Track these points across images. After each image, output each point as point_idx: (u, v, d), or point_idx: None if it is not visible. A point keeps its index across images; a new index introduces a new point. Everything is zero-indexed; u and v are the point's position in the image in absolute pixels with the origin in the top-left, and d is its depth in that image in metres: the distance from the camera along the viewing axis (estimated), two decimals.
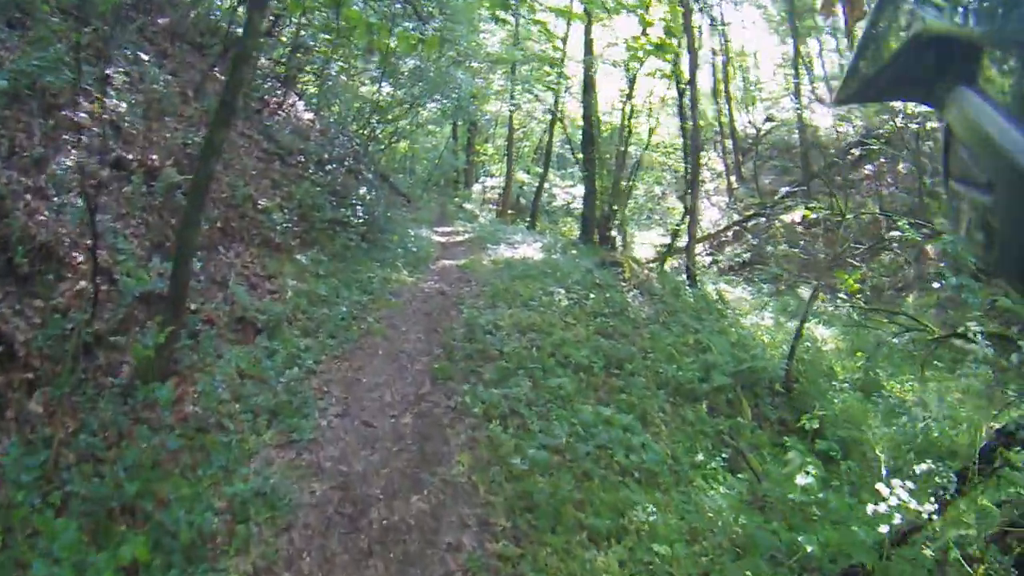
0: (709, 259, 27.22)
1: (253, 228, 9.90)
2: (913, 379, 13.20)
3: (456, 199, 30.73)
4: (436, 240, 18.41)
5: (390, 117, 19.48)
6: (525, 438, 7.20)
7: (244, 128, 11.78)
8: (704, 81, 35.72)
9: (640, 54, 13.92)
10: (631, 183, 18.43)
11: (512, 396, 7.96)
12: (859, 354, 14.25)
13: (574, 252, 16.52)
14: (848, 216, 16.28)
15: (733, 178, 32.24)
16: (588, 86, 19.26)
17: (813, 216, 14.97)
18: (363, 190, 13.86)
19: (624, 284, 13.02)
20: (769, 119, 34.26)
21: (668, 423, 8.85)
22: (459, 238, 19.46)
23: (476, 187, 35.10)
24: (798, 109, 28.80)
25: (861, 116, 27.83)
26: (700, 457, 8.06)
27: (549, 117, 26.61)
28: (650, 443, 7.61)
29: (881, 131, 25.17)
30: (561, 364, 9.20)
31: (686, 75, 15.91)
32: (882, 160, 25.84)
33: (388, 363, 8.75)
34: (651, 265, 15.95)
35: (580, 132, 21.06)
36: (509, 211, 31.14)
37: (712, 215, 31.57)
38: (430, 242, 17.30)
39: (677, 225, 16.06)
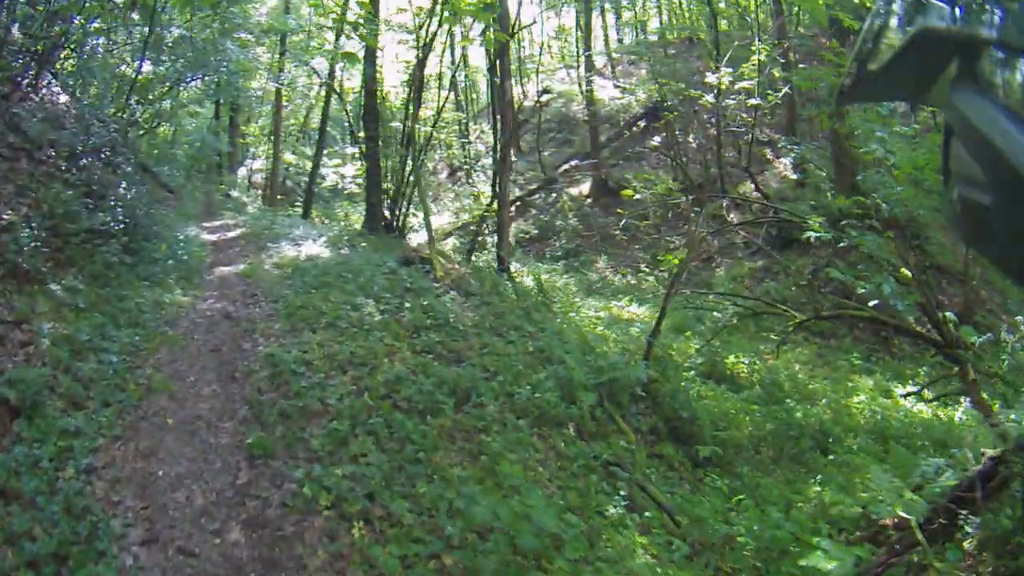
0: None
1: None
2: (750, 356, 12.57)
3: (222, 186, 27.52)
4: (207, 240, 15.71)
5: (151, 97, 16.40)
6: (405, 543, 5.33)
7: None
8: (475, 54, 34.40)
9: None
10: (420, 162, 16.58)
11: (362, 475, 5.99)
12: (688, 334, 13.46)
13: (364, 245, 14.54)
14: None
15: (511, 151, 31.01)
16: (370, 55, 17.15)
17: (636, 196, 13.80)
18: (123, 187, 11.10)
19: (437, 285, 11.18)
20: (546, 91, 33.40)
21: (545, 463, 7.32)
22: (232, 234, 16.81)
23: (241, 171, 31.86)
24: (587, 79, 28.02)
25: (643, 89, 27.49)
26: (599, 503, 6.74)
27: (323, 92, 23.91)
28: (544, 504, 5.93)
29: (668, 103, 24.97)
30: (401, 409, 7.28)
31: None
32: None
33: (185, 439, 6.45)
34: (456, 258, 14.12)
35: (360, 108, 18.96)
36: (278, 196, 28.31)
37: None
38: (201, 244, 14.64)
39: (485, 209, 14.38)
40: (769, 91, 17.69)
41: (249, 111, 31.99)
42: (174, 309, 9.37)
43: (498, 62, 14.04)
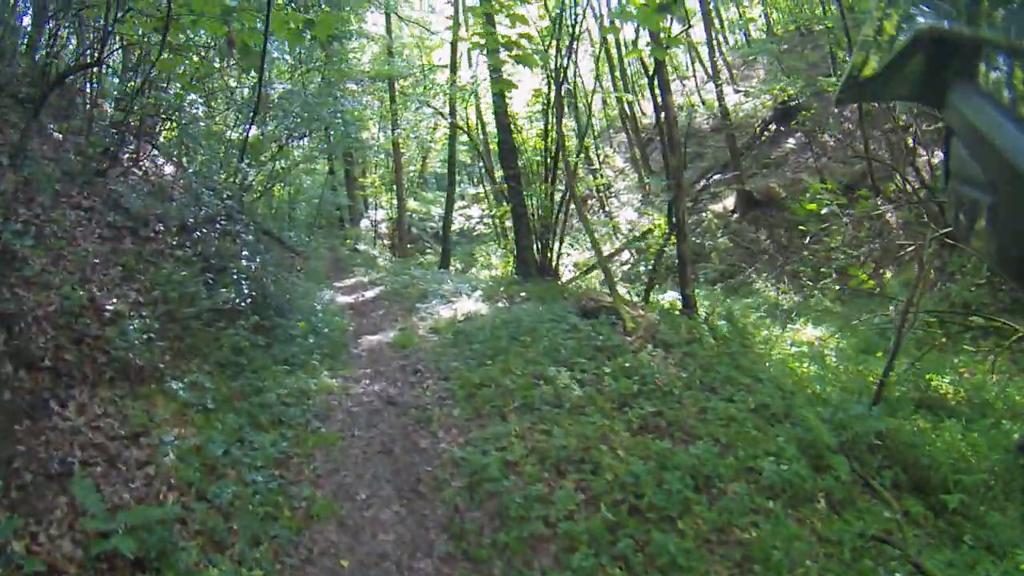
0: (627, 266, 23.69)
1: (99, 353, 5.81)
2: (948, 373, 10.20)
3: (347, 240, 26.34)
4: (343, 302, 14.27)
5: (263, 158, 15.13)
6: None
7: (81, 197, 7.79)
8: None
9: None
10: (569, 195, 14.72)
11: None
12: (879, 354, 11.00)
13: (524, 295, 12.76)
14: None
15: (642, 172, 28.70)
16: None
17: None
18: (244, 257, 9.64)
19: (629, 339, 9.16)
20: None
21: (812, 554, 5.40)
22: (370, 293, 15.33)
23: (364, 223, 30.72)
24: (716, 86, 25.74)
25: (769, 91, 25.05)
26: None
27: (442, 130, 22.43)
28: None
29: (794, 103, 22.68)
30: (648, 520, 5.41)
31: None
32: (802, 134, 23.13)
33: None
34: (636, 301, 12.02)
35: (478, 142, 17.34)
36: (408, 244, 26.95)
37: (627, 215, 28.17)
38: (339, 309, 13.12)
39: (663, 241, 12.26)
40: None
41: (364, 162, 30.93)
42: (323, 397, 7.73)
43: (656, 77, 11.91)
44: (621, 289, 14.15)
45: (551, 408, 6.98)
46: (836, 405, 7.98)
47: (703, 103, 30.48)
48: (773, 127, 25.68)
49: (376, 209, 31.44)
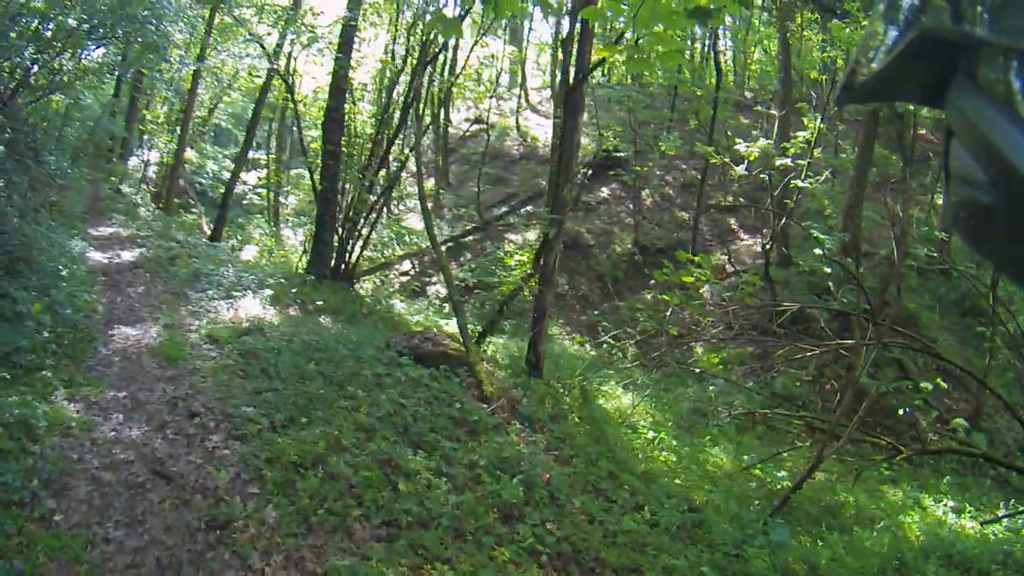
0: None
1: None
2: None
3: (112, 177, 21.98)
4: (95, 261, 10.97)
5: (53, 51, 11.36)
6: None
7: None
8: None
9: None
10: (388, 191, 12.50)
11: None
12: (706, 438, 9.98)
13: (319, 302, 10.72)
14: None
15: (437, 183, 26.35)
16: (347, 44, 12.91)
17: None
18: None
19: (488, 408, 7.09)
20: (478, 120, 29.22)
21: None
22: (127, 255, 12.07)
23: (133, 161, 25.95)
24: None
25: (594, 136, 24.12)
26: None
27: (262, 78, 18.91)
28: None
29: (620, 152, 21.94)
30: None
31: None
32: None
33: None
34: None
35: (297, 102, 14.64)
36: (175, 199, 22.94)
37: (412, 223, 25.63)
38: (88, 274, 9.91)
39: (520, 281, 10.29)
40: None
41: (153, 93, 26.13)
42: (57, 442, 4.83)
43: (573, 93, 9.83)
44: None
45: (420, 528, 4.68)
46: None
47: (518, 129, 28.90)
48: (589, 171, 24.62)
49: (150, 149, 26.60)
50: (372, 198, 12.78)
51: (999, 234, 0.75)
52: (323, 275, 12.30)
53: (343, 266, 12.87)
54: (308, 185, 15.93)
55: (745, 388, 12.29)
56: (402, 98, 12.86)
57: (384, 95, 12.85)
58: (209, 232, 18.74)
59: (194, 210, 25.28)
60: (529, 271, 10.41)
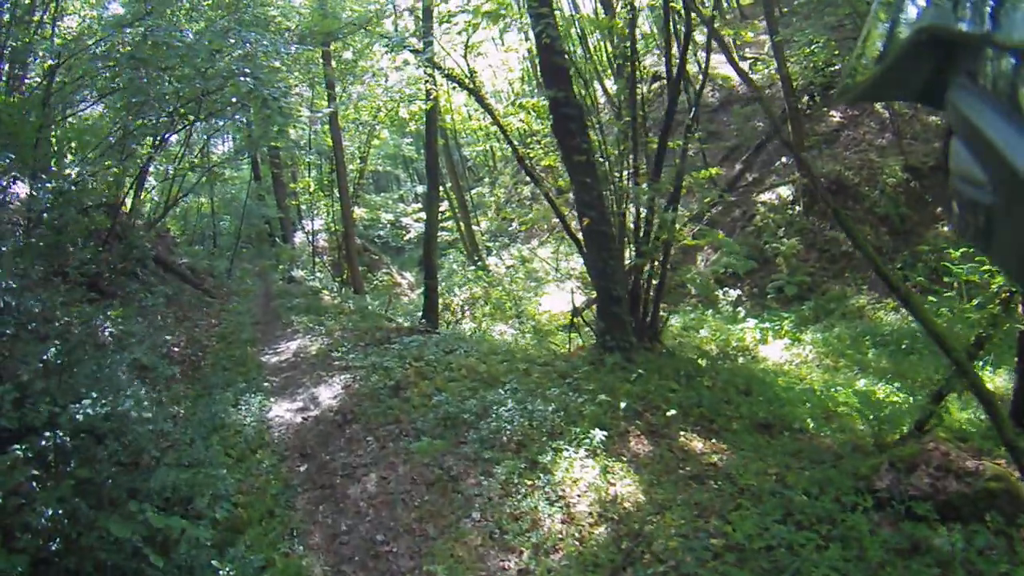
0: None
1: None
2: None
3: (279, 265, 18.38)
4: (282, 434, 6.83)
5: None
6: None
7: None
8: None
9: None
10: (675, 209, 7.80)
11: None
12: None
13: (671, 413, 6.11)
14: None
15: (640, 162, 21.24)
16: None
17: None
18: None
19: None
20: (656, 77, 23.87)
21: None
22: (329, 396, 7.92)
23: (297, 237, 22.57)
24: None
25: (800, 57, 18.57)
26: None
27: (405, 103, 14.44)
28: None
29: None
30: None
31: None
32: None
33: None
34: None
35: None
36: (357, 266, 18.95)
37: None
38: (272, 483, 5.79)
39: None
40: None
41: (294, 163, 22.66)
42: None
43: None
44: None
45: None
46: None
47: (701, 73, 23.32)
48: (806, 99, 18.81)
49: (311, 219, 23.09)
50: (672, 215, 7.95)
51: (1000, 234, 0.72)
52: (623, 346, 7.63)
53: (646, 318, 8.17)
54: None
55: None
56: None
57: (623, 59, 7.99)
58: (410, 289, 14.52)
59: (384, 270, 21.68)
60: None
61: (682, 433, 5.95)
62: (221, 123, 12.13)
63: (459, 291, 16.45)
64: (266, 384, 8.48)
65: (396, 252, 22.44)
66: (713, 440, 5.86)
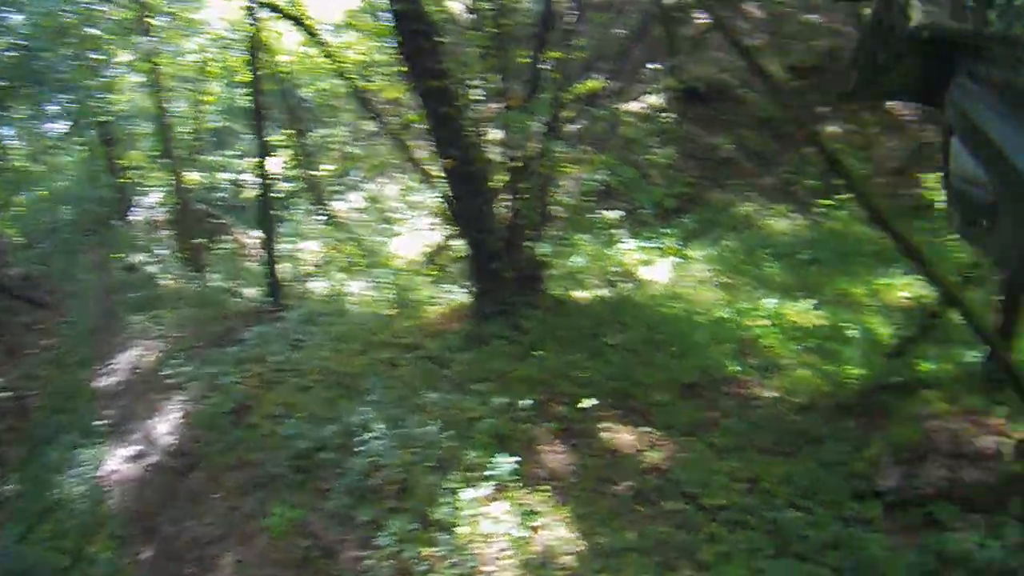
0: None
1: None
2: None
3: (119, 252, 16.03)
4: (122, 498, 5.30)
5: None
6: None
7: None
8: None
9: None
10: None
11: None
12: None
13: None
14: None
15: None
16: None
17: None
18: None
19: None
20: None
21: None
22: (166, 432, 6.44)
23: (136, 214, 19.85)
24: None
25: None
26: None
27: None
28: None
29: None
30: None
31: None
32: None
33: None
34: None
35: None
36: (197, 239, 16.56)
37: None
38: None
39: None
40: None
41: (125, 136, 19.83)
42: None
43: None
44: None
45: None
46: None
47: None
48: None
49: (147, 195, 20.33)
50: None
51: (999, 231, 0.72)
52: (506, 308, 6.28)
53: (526, 268, 6.83)
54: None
55: None
56: None
57: None
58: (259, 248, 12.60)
59: (225, 236, 19.40)
60: None
61: (602, 425, 4.68)
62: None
63: (308, 245, 14.68)
64: (100, 424, 6.72)
65: (242, 211, 20.12)
66: (642, 427, 4.61)
